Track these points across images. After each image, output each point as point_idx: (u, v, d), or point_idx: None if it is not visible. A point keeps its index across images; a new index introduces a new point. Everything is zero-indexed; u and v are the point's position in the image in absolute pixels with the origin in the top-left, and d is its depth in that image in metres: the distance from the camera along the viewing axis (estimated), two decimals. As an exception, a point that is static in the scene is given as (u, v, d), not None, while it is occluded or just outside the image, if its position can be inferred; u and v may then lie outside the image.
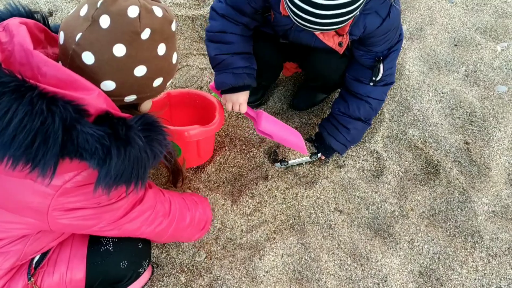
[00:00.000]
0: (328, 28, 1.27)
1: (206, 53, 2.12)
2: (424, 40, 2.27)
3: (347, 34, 1.50)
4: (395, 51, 1.60)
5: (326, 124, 1.81)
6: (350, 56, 1.69)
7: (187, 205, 1.38)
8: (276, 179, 1.83)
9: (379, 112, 1.99)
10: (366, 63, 1.63)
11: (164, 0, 2.46)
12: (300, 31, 1.57)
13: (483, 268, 1.64)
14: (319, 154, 1.84)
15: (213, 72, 1.66)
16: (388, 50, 1.59)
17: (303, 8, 1.20)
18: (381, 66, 1.59)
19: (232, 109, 1.64)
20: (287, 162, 1.83)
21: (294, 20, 1.30)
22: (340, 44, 1.54)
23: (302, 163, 1.86)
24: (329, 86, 1.95)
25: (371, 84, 1.65)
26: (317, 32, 1.46)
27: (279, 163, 1.84)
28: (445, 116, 2.01)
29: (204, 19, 2.37)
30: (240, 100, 1.61)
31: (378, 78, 1.63)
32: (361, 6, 1.24)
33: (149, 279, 1.58)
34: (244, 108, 1.63)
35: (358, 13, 1.30)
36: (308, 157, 1.83)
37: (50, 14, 2.44)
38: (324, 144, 1.82)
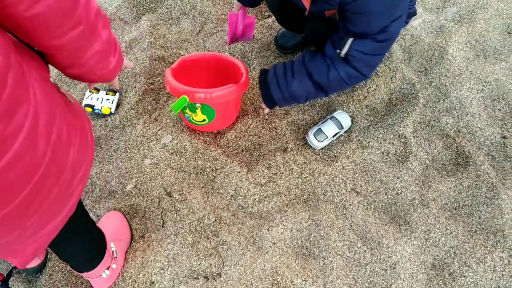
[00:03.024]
0: None
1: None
2: (474, 24, 2.12)
3: None
4: (373, 40, 1.41)
5: (279, 63, 1.65)
6: None
7: None
8: (295, 152, 1.79)
9: (413, 95, 1.89)
10: (342, 34, 1.47)
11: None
12: None
13: (502, 269, 1.55)
14: None
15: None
16: (364, 34, 1.41)
17: None
18: (349, 41, 1.42)
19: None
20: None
21: None
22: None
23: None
24: None
25: (339, 52, 1.47)
26: None
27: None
28: (485, 106, 1.88)
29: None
30: (234, 2, 1.74)
31: (342, 51, 1.45)
32: None
33: None
34: (235, 9, 1.75)
35: None
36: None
37: None
38: (264, 85, 1.65)
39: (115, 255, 1.54)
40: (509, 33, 2.11)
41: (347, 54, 1.45)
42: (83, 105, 1.94)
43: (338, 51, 1.47)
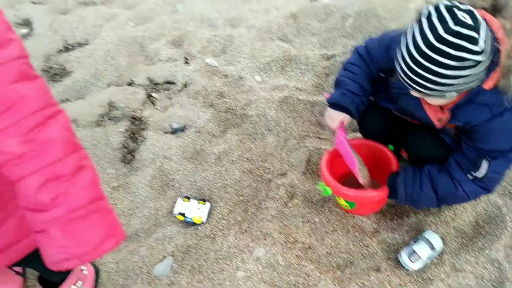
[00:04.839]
0: (424, 86, 1.29)
1: (322, 136, 2.24)
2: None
3: (449, 111, 1.50)
4: (507, 159, 1.48)
5: (408, 170, 1.72)
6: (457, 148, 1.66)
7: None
8: (389, 272, 1.79)
9: (500, 218, 1.91)
10: (470, 156, 1.54)
11: (288, 84, 2.65)
12: (407, 94, 1.52)
13: None
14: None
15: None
16: (497, 152, 1.46)
17: (408, 57, 1.27)
18: (485, 165, 1.48)
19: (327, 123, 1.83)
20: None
21: (399, 74, 1.36)
22: (440, 120, 1.57)
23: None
24: None
25: (470, 177, 1.54)
26: (422, 97, 1.46)
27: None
28: None
29: (322, 105, 2.51)
30: (333, 117, 1.77)
31: (479, 175, 1.51)
32: (463, 83, 1.25)
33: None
34: (333, 125, 1.79)
35: (457, 92, 1.31)
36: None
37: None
38: (393, 184, 1.73)
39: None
40: None
41: (484, 177, 1.52)
42: (175, 213, 2.03)
43: (472, 173, 1.53)
